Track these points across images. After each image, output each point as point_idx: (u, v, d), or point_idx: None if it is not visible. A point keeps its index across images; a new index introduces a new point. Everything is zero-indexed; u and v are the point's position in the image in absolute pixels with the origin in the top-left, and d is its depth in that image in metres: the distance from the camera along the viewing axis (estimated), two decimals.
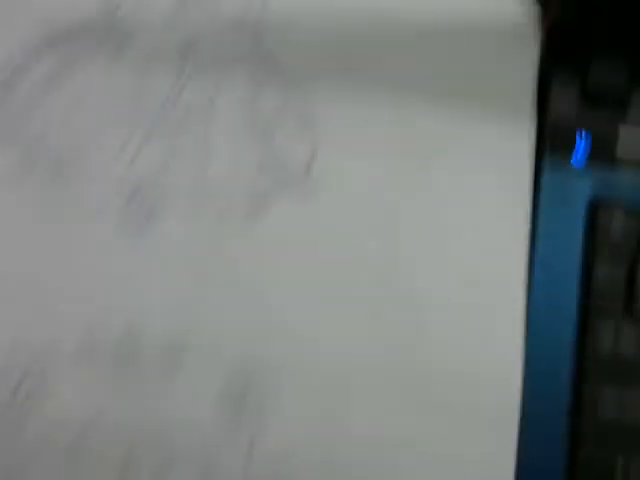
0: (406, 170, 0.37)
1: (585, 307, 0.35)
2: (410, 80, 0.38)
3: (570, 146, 0.37)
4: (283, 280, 0.36)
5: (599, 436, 0.34)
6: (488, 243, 0.36)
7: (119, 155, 0.37)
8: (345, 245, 0.37)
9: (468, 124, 0.38)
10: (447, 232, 0.37)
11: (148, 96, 0.38)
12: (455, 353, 0.35)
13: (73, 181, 0.37)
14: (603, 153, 0.37)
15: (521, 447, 0.34)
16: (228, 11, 0.39)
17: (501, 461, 0.34)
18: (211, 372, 0.35)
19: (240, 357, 0.36)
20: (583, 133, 0.37)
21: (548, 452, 0.35)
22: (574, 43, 0.38)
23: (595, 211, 0.36)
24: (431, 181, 0.37)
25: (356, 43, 0.39)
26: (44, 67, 0.38)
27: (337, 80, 0.38)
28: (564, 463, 0.34)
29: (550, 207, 0.37)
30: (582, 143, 0.37)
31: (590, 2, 0.38)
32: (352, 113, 0.38)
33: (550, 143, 0.37)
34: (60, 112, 0.38)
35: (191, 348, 0.36)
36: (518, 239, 0.36)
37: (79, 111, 0.38)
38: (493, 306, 0.36)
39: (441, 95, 0.38)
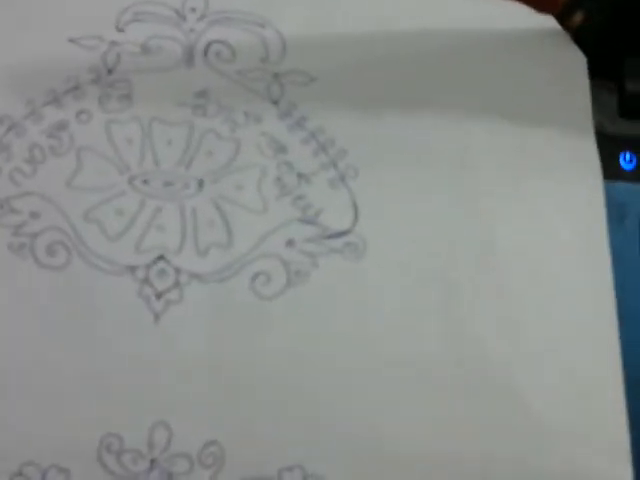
0: (461, 212, 0.34)
1: None
2: (458, 112, 0.36)
3: (616, 158, 0.36)
4: (331, 359, 0.32)
5: None
6: (567, 290, 0.34)
7: (132, 226, 0.33)
8: (401, 308, 0.33)
9: (531, 149, 0.35)
10: (519, 283, 0.34)
11: (161, 152, 0.35)
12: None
13: (81, 262, 0.33)
14: None
15: None
16: (243, 64, 0.36)
17: None
18: None
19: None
20: (627, 144, 0.37)
21: None
22: (607, 53, 0.37)
23: None
24: (491, 222, 0.34)
25: (382, 79, 0.36)
26: (43, 125, 0.34)
27: (369, 125, 0.35)
28: None
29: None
30: (627, 155, 0.36)
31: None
32: (391, 158, 0.35)
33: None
34: (63, 175, 0.34)
35: (229, 455, 0.31)
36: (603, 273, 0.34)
37: (83, 173, 0.34)
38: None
39: (495, 123, 0.36)
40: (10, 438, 0.31)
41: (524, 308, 0.33)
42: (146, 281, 0.33)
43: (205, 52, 0.36)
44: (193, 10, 0.37)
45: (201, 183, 0.34)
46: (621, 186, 0.36)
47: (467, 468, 0.31)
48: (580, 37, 0.37)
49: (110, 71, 0.36)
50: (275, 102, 0.36)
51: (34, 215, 0.33)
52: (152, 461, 0.31)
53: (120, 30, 0.36)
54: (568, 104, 0.36)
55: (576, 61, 0.37)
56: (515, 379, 0.32)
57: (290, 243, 0.34)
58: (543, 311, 0.33)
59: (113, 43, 0.36)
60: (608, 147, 0.36)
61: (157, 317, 0.32)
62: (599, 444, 0.32)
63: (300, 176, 0.35)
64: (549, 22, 0.38)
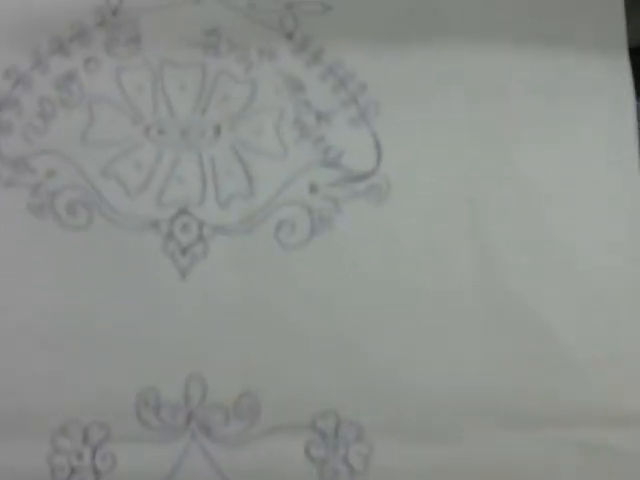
0: (483, 138, 0.33)
1: None
2: (483, 35, 0.34)
3: None
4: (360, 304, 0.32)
5: None
6: (597, 213, 0.33)
7: (152, 179, 0.33)
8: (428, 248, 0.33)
9: (563, 69, 0.34)
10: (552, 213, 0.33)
11: (174, 99, 0.33)
12: None
13: (103, 220, 0.32)
14: None
15: None
16: None
17: None
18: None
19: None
20: None
21: None
22: None
23: None
24: (515, 146, 0.33)
25: (402, 6, 0.34)
26: (51, 76, 0.33)
27: (389, 55, 0.34)
28: None
29: None
30: None
31: None
32: (413, 89, 0.33)
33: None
34: (77, 129, 0.33)
35: (264, 404, 0.32)
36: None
37: (97, 126, 0.33)
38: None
39: (524, 45, 0.34)
40: (51, 397, 0.31)
41: (553, 233, 0.33)
42: (170, 235, 0.32)
43: None
44: None
45: (218, 129, 0.33)
46: None
47: (499, 403, 0.32)
48: None
49: (115, 12, 0.34)
50: (289, 35, 0.34)
51: (51, 173, 0.32)
52: (189, 414, 0.32)
53: None
54: (601, 23, 0.34)
55: None
56: (544, 310, 0.32)
57: (313, 188, 0.33)
58: (573, 237, 0.33)
59: None
60: None
61: (184, 274, 0.32)
62: (633, 373, 0.32)
63: (319, 116, 0.33)
64: None
